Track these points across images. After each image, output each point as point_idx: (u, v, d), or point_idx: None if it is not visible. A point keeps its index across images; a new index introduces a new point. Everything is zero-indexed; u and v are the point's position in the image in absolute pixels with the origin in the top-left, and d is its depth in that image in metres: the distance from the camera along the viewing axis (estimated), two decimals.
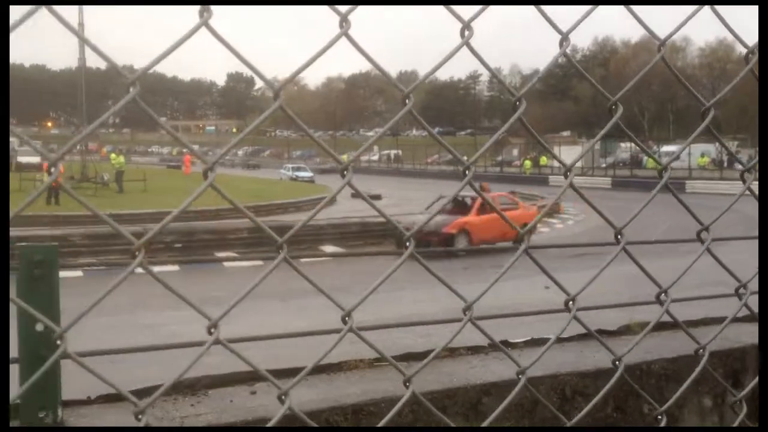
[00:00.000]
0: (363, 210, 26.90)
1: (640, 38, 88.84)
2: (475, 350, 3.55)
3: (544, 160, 71.77)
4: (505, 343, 3.69)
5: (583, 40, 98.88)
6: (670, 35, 1.73)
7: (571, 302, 1.68)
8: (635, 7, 1.65)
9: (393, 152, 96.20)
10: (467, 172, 1.52)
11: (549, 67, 1.72)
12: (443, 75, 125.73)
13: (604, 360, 2.60)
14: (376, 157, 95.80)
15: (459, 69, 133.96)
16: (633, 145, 74.95)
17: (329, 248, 21.20)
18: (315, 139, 1.47)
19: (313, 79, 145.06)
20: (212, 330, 1.24)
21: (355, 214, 24.42)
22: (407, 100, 1.43)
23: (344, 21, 1.35)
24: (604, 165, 61.62)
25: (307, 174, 60.21)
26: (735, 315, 2.05)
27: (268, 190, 38.52)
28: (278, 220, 25.89)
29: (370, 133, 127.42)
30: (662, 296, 1.82)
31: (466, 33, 1.46)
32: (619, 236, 1.70)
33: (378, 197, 38.02)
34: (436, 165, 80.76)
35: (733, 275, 1.91)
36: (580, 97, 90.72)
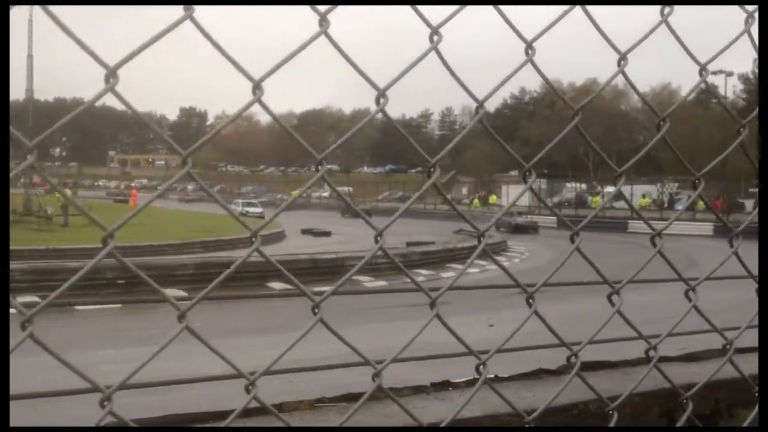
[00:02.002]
0: (312, 246, 26.79)
1: (583, 82, 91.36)
2: (418, 390, 3.51)
3: (494, 198, 72.63)
4: (447, 383, 3.67)
5: (533, 83, 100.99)
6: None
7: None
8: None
9: (345, 189, 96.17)
10: (432, 171, 1.58)
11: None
12: (395, 113, 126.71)
13: (539, 401, 2.60)
14: (327, 194, 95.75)
15: (411, 107, 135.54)
16: (579, 185, 75.88)
17: (277, 285, 21.00)
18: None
19: (265, 115, 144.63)
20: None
21: (303, 251, 24.32)
22: (381, 99, 1.46)
23: (323, 20, 1.37)
24: (550, 204, 62.41)
25: (257, 210, 59.69)
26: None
27: (217, 225, 38.10)
28: (227, 256, 25.63)
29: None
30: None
31: (436, 37, 1.51)
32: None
33: (327, 234, 37.95)
34: (387, 202, 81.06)
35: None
36: (529, 137, 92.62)
